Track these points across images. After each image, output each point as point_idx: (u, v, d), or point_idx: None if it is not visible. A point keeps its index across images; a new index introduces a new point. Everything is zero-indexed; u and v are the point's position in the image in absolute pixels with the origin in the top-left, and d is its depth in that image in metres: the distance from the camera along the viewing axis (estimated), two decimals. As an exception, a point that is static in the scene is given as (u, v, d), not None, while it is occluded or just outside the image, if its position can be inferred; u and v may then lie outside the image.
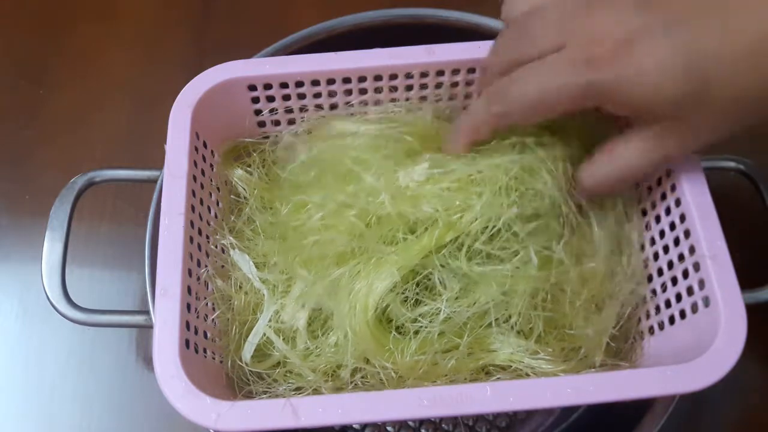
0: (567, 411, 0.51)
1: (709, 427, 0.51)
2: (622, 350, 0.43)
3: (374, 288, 0.39)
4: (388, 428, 0.51)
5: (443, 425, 0.51)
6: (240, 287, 0.42)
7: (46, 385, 0.52)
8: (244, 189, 0.46)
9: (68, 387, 0.52)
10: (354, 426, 0.51)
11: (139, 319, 0.44)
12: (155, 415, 0.51)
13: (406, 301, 0.41)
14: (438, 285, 0.40)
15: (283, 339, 0.42)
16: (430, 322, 0.40)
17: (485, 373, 0.40)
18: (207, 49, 0.63)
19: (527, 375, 0.40)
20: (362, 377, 0.40)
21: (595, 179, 0.38)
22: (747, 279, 0.39)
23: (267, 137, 0.48)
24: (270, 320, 0.41)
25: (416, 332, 0.40)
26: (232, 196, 0.47)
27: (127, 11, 0.65)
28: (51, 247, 0.45)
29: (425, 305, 0.40)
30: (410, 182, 0.40)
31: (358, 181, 0.41)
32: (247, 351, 0.41)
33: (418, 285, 0.40)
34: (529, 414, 0.51)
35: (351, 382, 0.40)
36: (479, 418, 0.51)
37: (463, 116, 0.40)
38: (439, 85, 0.45)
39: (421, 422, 0.51)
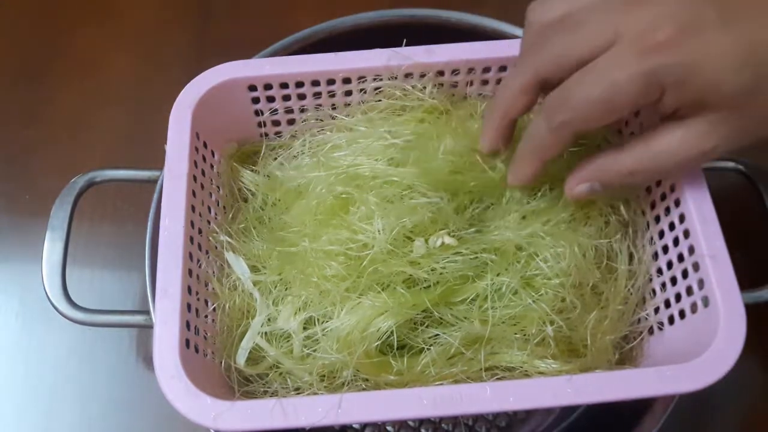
0: (567, 410, 0.51)
1: (709, 426, 0.51)
2: (622, 350, 0.43)
3: (368, 329, 0.39)
4: (388, 428, 0.51)
5: (443, 425, 0.51)
6: (236, 288, 0.42)
7: (46, 385, 0.52)
8: (251, 191, 0.47)
9: (68, 387, 0.52)
10: (354, 426, 0.51)
11: (139, 319, 0.44)
12: (155, 415, 0.51)
13: (414, 327, 0.41)
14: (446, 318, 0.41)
15: (277, 341, 0.42)
16: (440, 344, 0.40)
17: (490, 373, 0.40)
18: (207, 49, 0.63)
19: (530, 375, 0.40)
20: (363, 379, 0.40)
21: (623, 167, 0.37)
22: (747, 279, 0.39)
23: (266, 135, 0.48)
24: (262, 325, 0.41)
25: (428, 345, 0.40)
26: (240, 202, 0.47)
27: (127, 12, 0.65)
28: (51, 247, 0.45)
29: (434, 329, 0.41)
30: (424, 251, 0.40)
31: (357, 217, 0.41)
32: (241, 356, 0.41)
33: (425, 312, 0.41)
34: (529, 413, 0.51)
35: (350, 383, 0.40)
36: (479, 418, 0.51)
37: (522, 143, 0.38)
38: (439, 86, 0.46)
39: (421, 422, 0.51)
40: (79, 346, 0.53)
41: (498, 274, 0.41)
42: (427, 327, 0.41)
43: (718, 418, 0.51)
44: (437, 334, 0.40)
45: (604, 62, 0.33)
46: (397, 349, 0.41)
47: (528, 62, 0.36)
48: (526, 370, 0.40)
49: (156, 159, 0.43)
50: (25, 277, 0.55)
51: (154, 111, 0.43)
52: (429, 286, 0.41)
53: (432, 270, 0.40)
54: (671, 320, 0.41)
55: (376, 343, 0.39)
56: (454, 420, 0.51)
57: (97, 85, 0.62)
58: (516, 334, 0.40)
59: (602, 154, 0.38)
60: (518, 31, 0.52)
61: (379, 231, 0.40)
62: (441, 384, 0.37)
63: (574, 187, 0.39)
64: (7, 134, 0.60)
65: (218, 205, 0.45)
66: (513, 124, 0.39)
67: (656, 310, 0.42)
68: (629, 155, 0.36)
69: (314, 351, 0.40)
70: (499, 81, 0.46)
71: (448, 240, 0.40)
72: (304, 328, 0.41)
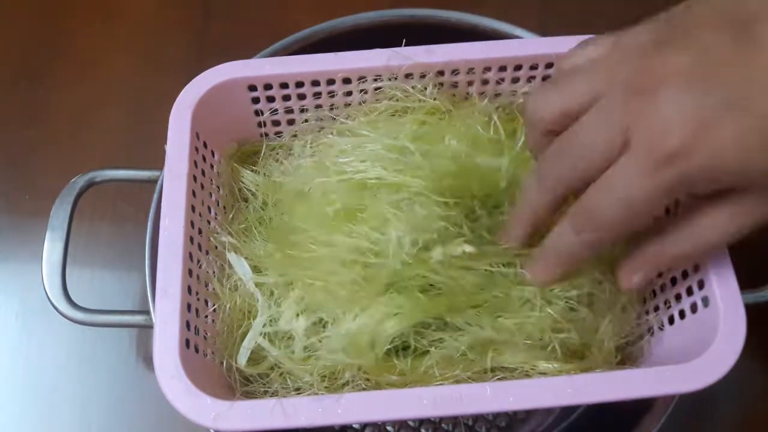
0: (567, 410, 0.51)
1: (709, 426, 0.51)
2: (623, 351, 0.43)
3: (380, 332, 0.39)
4: (388, 428, 0.51)
5: (443, 425, 0.51)
6: (237, 289, 0.42)
7: (46, 384, 0.52)
8: (251, 191, 0.46)
9: (68, 387, 0.52)
10: (354, 426, 0.51)
11: (139, 319, 0.44)
12: (155, 415, 0.51)
13: (422, 330, 0.41)
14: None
15: (279, 342, 0.42)
16: (445, 347, 0.40)
17: (490, 374, 0.40)
18: (207, 49, 0.63)
19: (530, 375, 0.40)
20: (365, 379, 0.40)
21: (677, 253, 0.36)
22: (747, 279, 0.39)
23: (266, 135, 0.48)
24: (264, 325, 0.41)
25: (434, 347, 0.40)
26: (241, 202, 0.47)
27: (128, 12, 0.65)
28: (51, 247, 0.45)
29: (441, 332, 0.41)
30: (441, 258, 0.40)
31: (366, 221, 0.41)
32: (242, 356, 0.41)
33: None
34: (529, 413, 0.51)
35: (351, 383, 0.40)
36: (479, 418, 0.51)
37: (550, 246, 0.37)
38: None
39: (421, 422, 0.51)
40: (79, 346, 0.53)
41: (518, 283, 0.41)
42: (434, 330, 0.41)
43: (718, 418, 0.51)
44: (443, 339, 0.40)
45: (619, 178, 0.32)
46: (402, 350, 0.41)
47: (549, 178, 0.35)
48: (526, 371, 0.40)
49: (156, 159, 0.43)
50: (25, 277, 0.55)
51: (154, 111, 0.43)
52: (443, 293, 0.40)
53: (451, 277, 0.40)
54: (671, 320, 0.41)
55: (387, 347, 0.39)
56: (454, 420, 0.51)
57: (97, 85, 0.62)
58: (524, 340, 0.40)
59: (650, 243, 0.37)
60: (518, 31, 0.52)
61: (398, 241, 0.39)
62: (441, 384, 0.37)
63: (630, 279, 0.38)
64: (7, 134, 0.60)
65: (218, 205, 0.45)
66: (540, 225, 0.39)
67: (656, 310, 0.42)
68: (681, 241, 0.35)
69: (317, 352, 0.40)
70: (499, 81, 0.46)
71: (468, 248, 0.40)
72: (308, 330, 0.41)
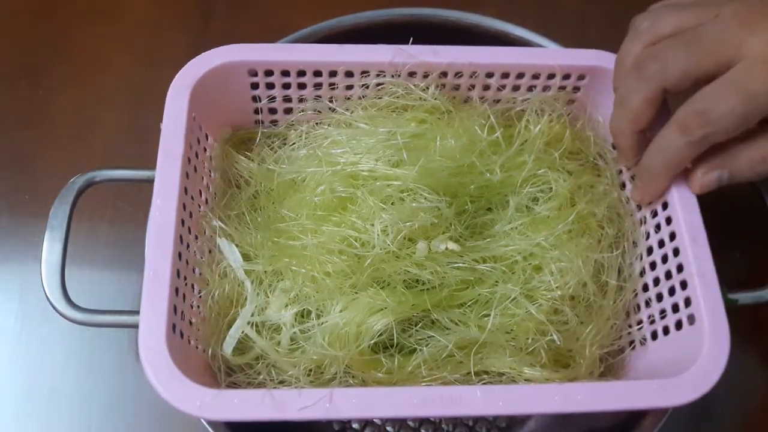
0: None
1: (709, 426, 0.51)
2: (607, 363, 0.43)
3: (365, 326, 0.39)
4: (388, 428, 0.51)
5: (443, 425, 0.51)
6: (226, 275, 0.42)
7: (46, 385, 0.52)
8: (244, 177, 0.46)
9: (68, 387, 0.52)
10: (353, 426, 0.51)
11: (138, 319, 0.44)
12: (155, 415, 0.51)
13: (408, 327, 0.41)
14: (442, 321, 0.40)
15: (266, 332, 0.41)
16: (433, 346, 0.40)
17: (478, 378, 0.40)
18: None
19: (516, 381, 0.40)
20: (350, 375, 0.40)
21: (758, 153, 0.37)
22: (747, 279, 0.39)
23: (262, 123, 0.48)
24: (252, 314, 0.41)
25: (421, 346, 0.40)
26: (234, 188, 0.46)
27: (128, 12, 0.65)
28: (51, 247, 0.44)
29: (428, 329, 0.41)
30: (426, 253, 0.40)
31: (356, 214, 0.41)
32: (228, 345, 0.40)
33: (421, 313, 0.41)
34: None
35: (337, 379, 0.39)
36: (479, 418, 0.51)
37: (652, 160, 0.39)
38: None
39: (422, 422, 0.51)
40: (78, 346, 0.53)
41: (496, 282, 0.41)
42: (421, 328, 0.41)
43: (719, 418, 0.51)
44: (431, 336, 0.40)
45: (738, 76, 0.35)
46: (389, 347, 0.40)
47: (651, 74, 0.37)
48: (513, 377, 0.40)
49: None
50: (24, 278, 0.55)
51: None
52: (428, 289, 0.41)
53: (434, 272, 0.40)
54: (654, 336, 0.41)
55: (371, 341, 0.39)
56: (455, 420, 0.51)
57: (97, 85, 0.62)
58: (509, 341, 0.40)
59: (731, 143, 0.37)
60: (518, 31, 0.52)
61: (384, 232, 0.39)
62: (429, 385, 0.37)
63: (702, 176, 0.39)
64: (7, 134, 0.60)
65: (209, 189, 0.44)
66: (643, 134, 0.40)
67: (640, 325, 0.42)
68: (765, 141, 0.37)
69: (305, 344, 0.40)
70: (500, 87, 0.46)
71: (451, 245, 0.40)
72: (296, 321, 0.41)
